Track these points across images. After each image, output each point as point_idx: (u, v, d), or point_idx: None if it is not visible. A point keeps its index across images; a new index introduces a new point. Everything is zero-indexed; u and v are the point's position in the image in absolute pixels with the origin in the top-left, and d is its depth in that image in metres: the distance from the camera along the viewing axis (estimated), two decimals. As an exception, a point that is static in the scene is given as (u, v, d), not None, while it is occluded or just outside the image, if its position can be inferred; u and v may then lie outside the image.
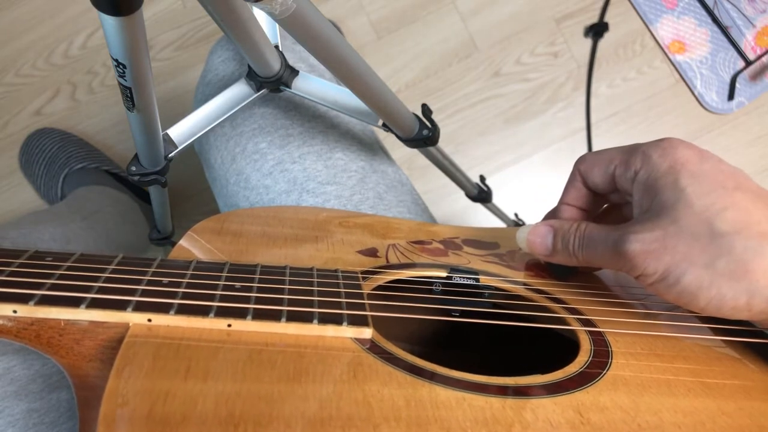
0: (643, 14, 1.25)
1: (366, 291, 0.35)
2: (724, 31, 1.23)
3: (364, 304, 0.33)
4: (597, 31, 1.24)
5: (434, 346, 0.49)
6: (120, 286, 0.30)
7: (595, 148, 1.07)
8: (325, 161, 0.59)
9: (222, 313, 0.29)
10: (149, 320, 0.29)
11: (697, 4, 1.25)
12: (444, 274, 0.42)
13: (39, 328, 0.28)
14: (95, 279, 0.30)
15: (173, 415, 0.24)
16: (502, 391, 0.30)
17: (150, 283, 0.31)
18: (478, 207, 1.06)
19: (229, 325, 0.29)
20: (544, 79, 1.25)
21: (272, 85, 0.56)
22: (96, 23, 1.25)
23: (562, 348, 0.37)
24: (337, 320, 0.31)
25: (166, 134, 0.55)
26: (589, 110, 1.24)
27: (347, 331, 0.31)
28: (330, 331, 0.31)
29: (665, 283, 0.34)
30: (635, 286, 0.45)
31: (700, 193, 0.34)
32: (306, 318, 0.30)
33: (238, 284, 0.32)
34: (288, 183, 0.58)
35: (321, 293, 0.33)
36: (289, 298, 0.32)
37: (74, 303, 0.28)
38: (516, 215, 1.12)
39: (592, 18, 1.26)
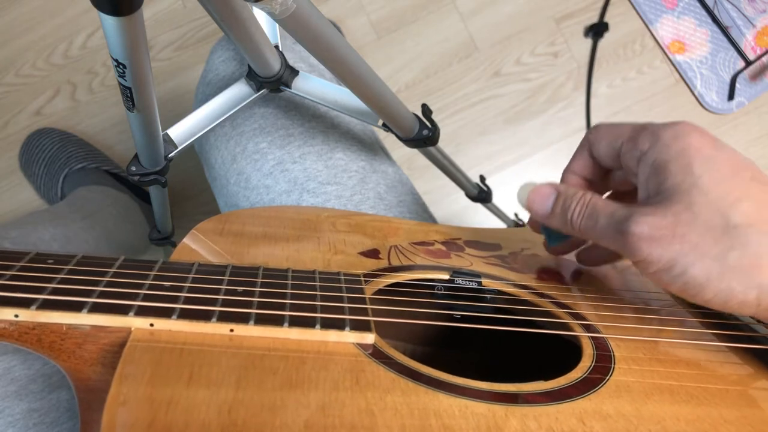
0: (643, 14, 1.25)
1: (368, 295, 0.35)
2: (724, 31, 1.23)
3: (366, 308, 0.33)
4: (597, 31, 1.24)
5: (436, 347, 0.49)
6: (122, 290, 0.30)
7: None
8: (326, 161, 0.59)
9: (224, 317, 0.29)
10: (151, 325, 0.28)
11: (697, 4, 1.25)
12: (446, 276, 0.42)
13: (41, 333, 0.28)
14: (97, 283, 0.30)
15: (176, 423, 0.24)
16: (505, 398, 0.29)
17: (152, 287, 0.30)
18: (478, 207, 1.06)
19: (232, 330, 0.29)
20: (544, 79, 1.25)
21: (272, 85, 0.55)
22: (96, 23, 1.24)
23: (565, 352, 0.37)
24: (339, 325, 0.31)
25: (166, 134, 0.55)
26: (589, 110, 1.24)
27: (350, 337, 0.31)
28: (332, 336, 0.30)
29: (670, 273, 0.32)
30: (638, 290, 0.45)
31: (715, 180, 0.32)
32: (308, 323, 0.30)
33: (240, 288, 0.32)
34: (288, 183, 0.58)
35: (323, 298, 0.33)
36: (291, 303, 0.32)
37: (76, 307, 0.28)
38: (516, 215, 1.12)
39: (592, 18, 1.26)
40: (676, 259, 0.32)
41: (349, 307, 0.33)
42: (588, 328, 0.38)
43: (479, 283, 0.41)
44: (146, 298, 0.29)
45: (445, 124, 1.23)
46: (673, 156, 0.33)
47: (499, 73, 1.25)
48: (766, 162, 1.22)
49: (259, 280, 0.33)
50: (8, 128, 1.22)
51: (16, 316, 0.27)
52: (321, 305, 0.32)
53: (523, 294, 0.41)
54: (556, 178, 0.43)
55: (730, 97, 1.22)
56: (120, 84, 0.41)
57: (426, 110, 0.61)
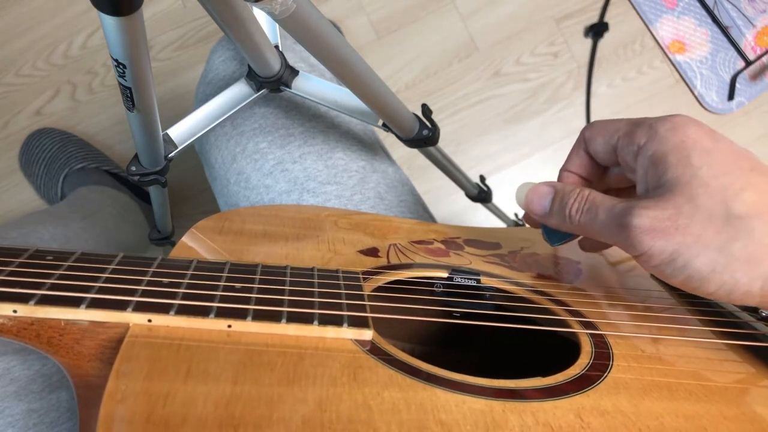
0: (643, 14, 1.25)
1: (367, 292, 0.35)
2: (724, 31, 1.23)
3: (364, 305, 0.33)
4: (597, 31, 1.24)
5: (434, 345, 0.49)
6: (120, 286, 0.30)
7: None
8: (326, 161, 0.59)
9: (222, 313, 0.29)
10: (149, 320, 0.29)
11: (697, 4, 1.25)
12: (445, 274, 0.42)
13: (39, 328, 0.28)
14: (95, 279, 0.30)
15: (173, 417, 0.24)
16: (503, 394, 0.30)
17: (150, 283, 0.30)
18: (478, 207, 1.06)
19: (230, 326, 0.29)
20: (544, 79, 1.25)
21: (272, 85, 0.56)
22: (96, 23, 1.24)
23: (563, 349, 0.37)
24: (337, 321, 0.31)
25: (166, 134, 0.55)
26: (589, 110, 1.24)
27: (347, 333, 0.31)
28: (330, 332, 0.31)
29: (673, 265, 0.32)
30: (637, 289, 0.45)
31: (715, 172, 0.32)
32: (306, 319, 0.30)
33: (238, 285, 0.32)
34: (288, 183, 0.58)
35: (321, 294, 0.33)
36: (289, 299, 0.32)
37: (74, 303, 0.28)
38: (516, 215, 1.12)
39: (592, 18, 1.26)
40: (678, 252, 0.31)
41: (347, 303, 0.33)
42: (586, 325, 0.38)
43: (478, 281, 0.42)
44: (144, 294, 0.29)
45: (445, 124, 1.23)
46: (671, 148, 0.33)
47: (499, 73, 1.25)
48: (766, 162, 1.21)
49: (258, 276, 0.34)
50: (8, 128, 1.22)
51: (15, 311, 0.27)
52: (319, 301, 0.32)
53: (522, 292, 0.42)
54: (556, 177, 0.43)
55: (730, 97, 1.22)
56: (120, 84, 0.41)
57: (426, 110, 0.61)
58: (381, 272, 0.40)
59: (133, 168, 0.56)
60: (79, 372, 0.28)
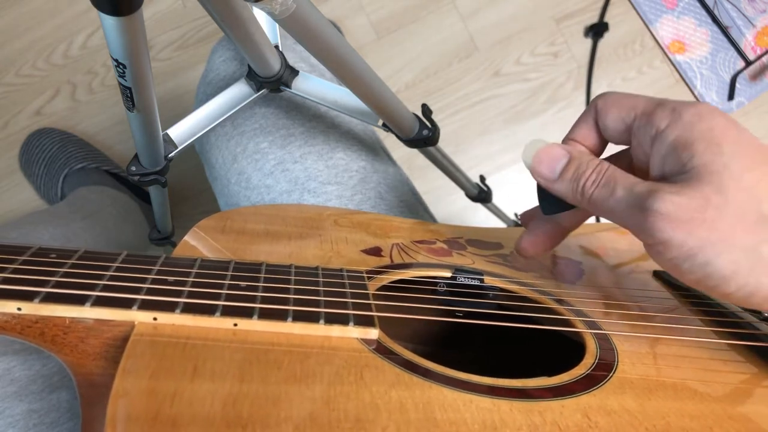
0: (643, 14, 1.25)
1: (371, 291, 0.35)
2: (724, 31, 1.23)
3: (370, 304, 0.33)
4: (597, 31, 1.24)
5: (438, 346, 0.49)
6: (125, 284, 0.30)
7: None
8: (327, 161, 0.59)
9: (228, 312, 0.29)
10: (155, 319, 0.28)
11: (697, 4, 1.25)
12: (448, 274, 0.42)
13: (43, 326, 0.28)
14: (100, 277, 0.30)
15: (180, 416, 0.24)
16: (510, 393, 0.29)
17: (155, 281, 0.30)
18: (478, 207, 1.06)
19: (235, 325, 0.29)
20: (544, 79, 1.25)
21: (272, 85, 0.55)
22: (96, 23, 1.24)
23: (568, 350, 0.37)
24: (343, 320, 0.31)
25: (166, 134, 0.55)
26: (589, 110, 1.24)
27: (353, 332, 0.31)
28: (336, 331, 0.30)
29: (691, 261, 0.29)
30: (641, 289, 0.45)
31: (747, 166, 0.29)
32: (312, 318, 0.30)
33: (243, 283, 0.32)
34: (289, 183, 0.58)
35: (327, 293, 0.33)
36: (294, 298, 0.32)
37: (79, 301, 0.28)
38: (516, 215, 1.12)
39: (592, 18, 1.26)
40: (701, 248, 0.29)
41: (352, 302, 0.33)
42: (590, 325, 0.38)
43: (481, 281, 0.41)
44: (149, 292, 0.29)
45: (445, 124, 1.23)
46: (698, 136, 0.30)
47: (499, 73, 1.25)
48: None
49: (263, 275, 0.33)
50: (8, 128, 1.22)
51: (19, 309, 0.27)
52: (324, 300, 0.32)
53: (525, 291, 0.41)
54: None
55: (730, 97, 1.22)
56: (120, 84, 0.41)
57: (426, 110, 0.61)
58: (385, 271, 0.40)
59: (133, 168, 0.56)
60: (83, 371, 0.28)
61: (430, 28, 1.26)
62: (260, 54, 0.51)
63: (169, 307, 0.29)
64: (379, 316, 0.32)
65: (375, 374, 0.28)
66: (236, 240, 0.41)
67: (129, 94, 0.42)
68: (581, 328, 0.37)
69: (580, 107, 1.24)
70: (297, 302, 0.31)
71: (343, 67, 0.46)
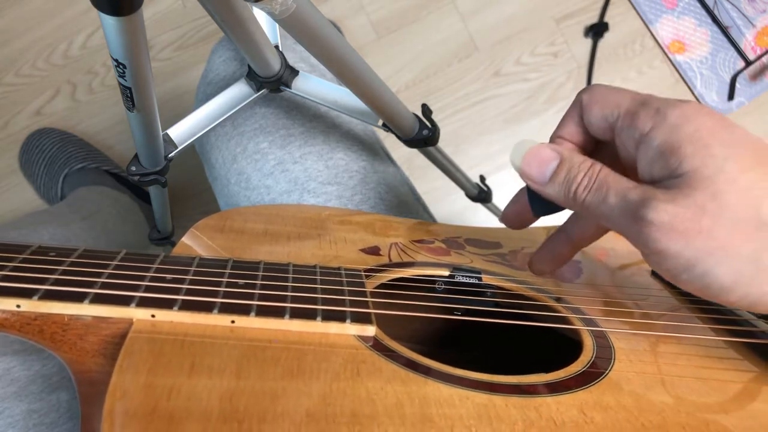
0: (643, 14, 1.25)
1: (369, 289, 0.35)
2: (724, 31, 1.23)
3: (367, 301, 0.33)
4: (597, 31, 1.24)
5: (436, 344, 0.49)
6: (124, 282, 0.30)
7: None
8: (326, 161, 0.59)
9: (225, 309, 0.29)
10: (153, 316, 0.29)
11: (697, 4, 1.25)
12: (446, 273, 0.42)
13: (42, 323, 0.28)
14: (99, 274, 0.30)
15: (177, 411, 0.24)
16: (506, 389, 0.30)
17: (153, 279, 0.31)
18: (478, 207, 1.06)
19: (233, 322, 0.29)
20: (544, 79, 1.25)
21: (272, 85, 0.56)
22: (96, 23, 1.24)
23: (565, 347, 0.37)
24: (340, 317, 0.31)
25: (166, 134, 0.55)
26: (589, 110, 1.24)
27: (350, 329, 0.31)
28: (333, 328, 0.31)
29: (690, 271, 0.28)
30: (638, 287, 0.45)
31: (741, 167, 0.27)
32: (309, 315, 0.30)
33: (241, 281, 0.32)
34: (289, 183, 0.58)
35: (324, 291, 0.33)
36: (292, 295, 0.32)
37: (78, 298, 0.28)
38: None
39: (592, 18, 1.26)
40: (698, 257, 0.28)
41: (350, 300, 0.33)
42: (588, 322, 0.38)
43: (479, 279, 0.42)
44: (148, 289, 0.30)
45: (445, 124, 1.23)
46: (685, 138, 0.29)
47: (499, 73, 1.25)
48: None
49: (261, 273, 0.34)
50: (8, 128, 1.22)
51: (18, 306, 0.28)
52: (322, 298, 0.32)
53: (523, 290, 0.42)
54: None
55: (730, 97, 1.22)
56: (120, 84, 0.41)
57: (426, 110, 0.61)
58: (383, 270, 0.40)
59: (133, 168, 0.56)
60: (82, 368, 0.28)
61: (430, 28, 1.26)
62: (260, 54, 0.51)
63: (167, 305, 0.29)
64: (376, 314, 0.32)
65: (371, 370, 0.29)
66: (236, 239, 0.41)
67: (129, 94, 0.42)
68: (578, 325, 0.37)
69: (580, 107, 1.24)
70: (294, 300, 0.31)
71: (343, 67, 0.46)
